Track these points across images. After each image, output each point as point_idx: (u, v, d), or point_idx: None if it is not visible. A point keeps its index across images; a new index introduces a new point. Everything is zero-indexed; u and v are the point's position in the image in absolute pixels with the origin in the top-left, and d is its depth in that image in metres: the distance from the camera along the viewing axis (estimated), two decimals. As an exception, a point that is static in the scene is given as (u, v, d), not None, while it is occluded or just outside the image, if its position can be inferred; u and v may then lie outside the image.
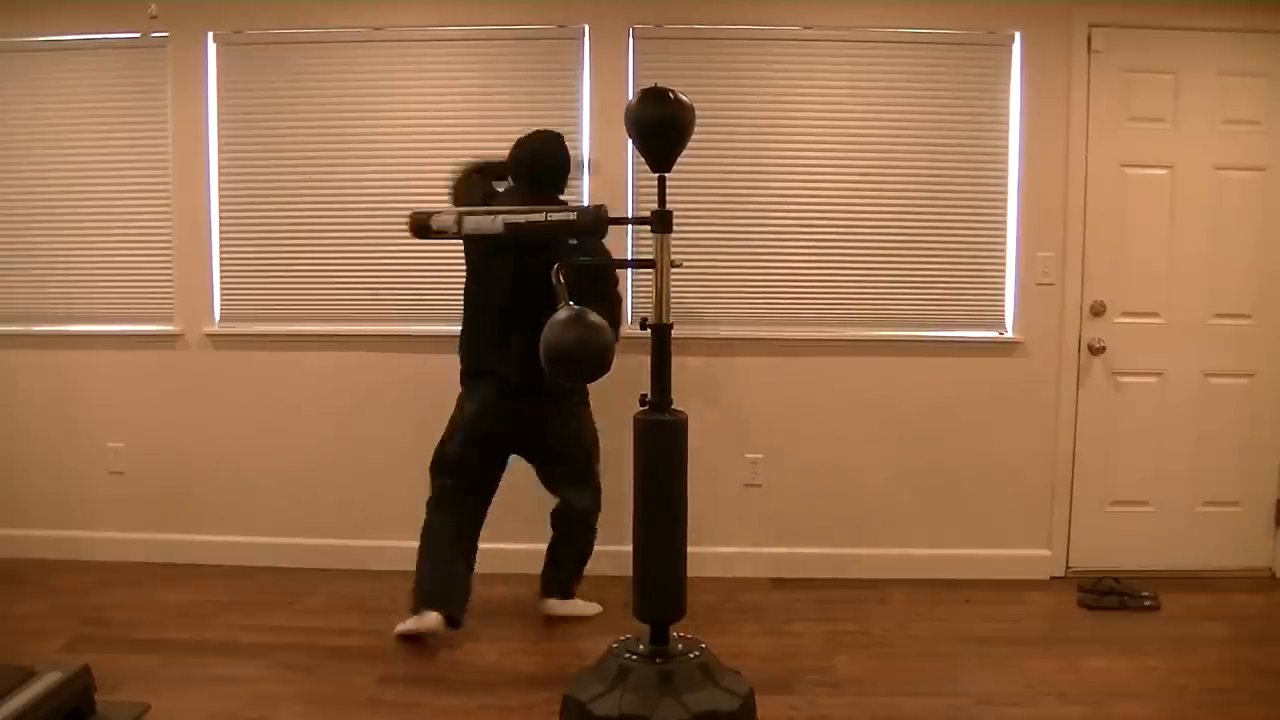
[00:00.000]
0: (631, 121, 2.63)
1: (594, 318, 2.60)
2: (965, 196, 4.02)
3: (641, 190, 4.01)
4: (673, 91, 2.61)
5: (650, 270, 2.68)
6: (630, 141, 3.93)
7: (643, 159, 2.71)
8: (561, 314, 2.58)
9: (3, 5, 4.10)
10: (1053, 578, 4.10)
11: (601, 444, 3.64)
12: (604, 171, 4.01)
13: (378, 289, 4.13)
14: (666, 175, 2.69)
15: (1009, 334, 4.07)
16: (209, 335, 4.19)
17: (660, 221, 2.64)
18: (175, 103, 4.11)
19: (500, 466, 3.57)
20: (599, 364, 2.61)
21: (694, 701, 2.55)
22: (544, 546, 4.12)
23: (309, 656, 3.32)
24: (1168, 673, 3.23)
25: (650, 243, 2.68)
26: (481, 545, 4.16)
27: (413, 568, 4.14)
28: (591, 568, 4.01)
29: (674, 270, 2.69)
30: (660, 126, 2.62)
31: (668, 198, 2.66)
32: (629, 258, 4.05)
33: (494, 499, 3.64)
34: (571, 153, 3.51)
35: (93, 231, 4.19)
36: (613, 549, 3.67)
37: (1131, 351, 4.07)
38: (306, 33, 4.06)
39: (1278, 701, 3.03)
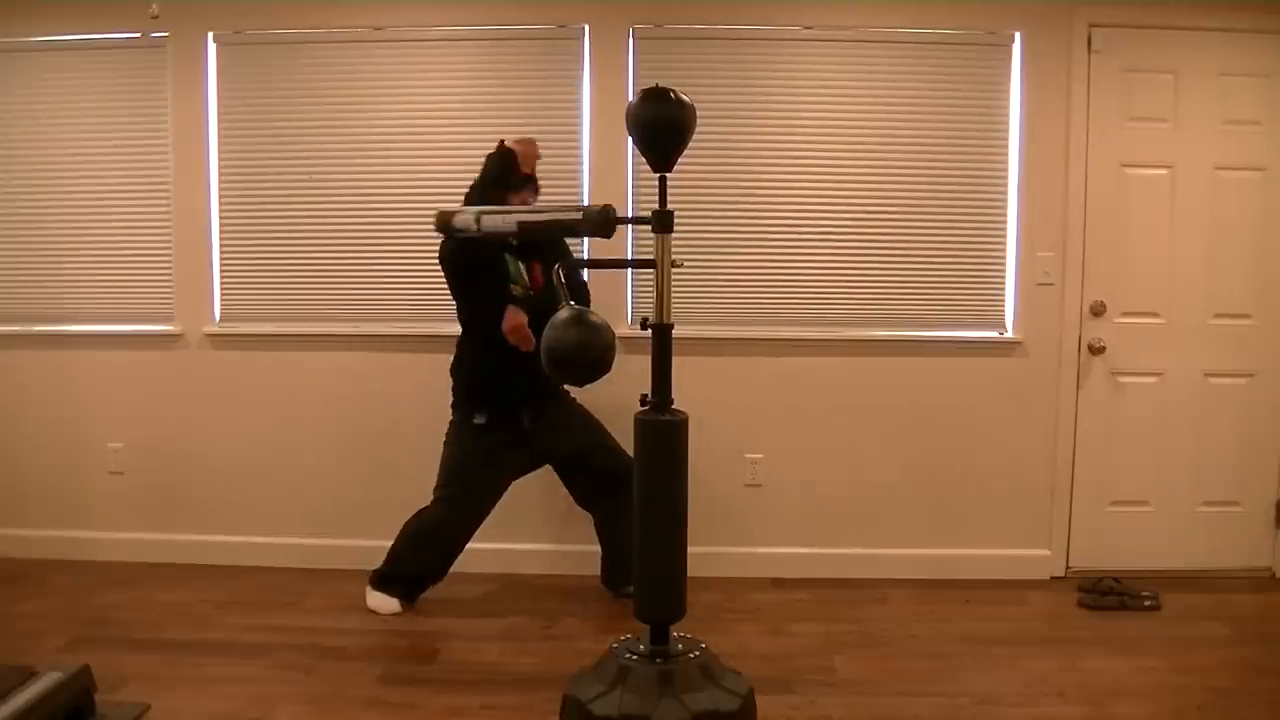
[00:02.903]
0: (633, 121, 2.63)
1: (594, 318, 2.60)
2: (965, 196, 4.02)
3: (641, 190, 4.01)
4: (674, 91, 2.61)
5: (650, 270, 2.67)
6: (630, 141, 3.95)
7: (642, 159, 2.71)
8: (562, 314, 2.58)
9: (3, 5, 4.10)
10: (1053, 578, 4.10)
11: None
12: (603, 171, 4.01)
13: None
14: (667, 175, 2.69)
15: (1009, 334, 4.07)
16: (209, 335, 4.19)
17: (661, 222, 2.64)
18: (175, 103, 4.11)
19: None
20: (600, 364, 2.60)
21: (694, 701, 2.55)
22: (547, 547, 4.13)
23: (309, 656, 3.32)
24: (1168, 673, 3.23)
25: (651, 243, 2.67)
26: (483, 546, 4.17)
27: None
28: (596, 568, 4.01)
29: (675, 270, 2.69)
30: (662, 126, 2.62)
31: (668, 198, 2.66)
32: (629, 258, 4.05)
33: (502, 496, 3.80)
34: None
35: (93, 231, 4.19)
36: (613, 549, 3.67)
37: (1131, 351, 4.07)
38: (306, 33, 4.06)
39: (1278, 701, 3.03)
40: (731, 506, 4.10)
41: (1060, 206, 4.00)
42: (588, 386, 2.73)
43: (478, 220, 2.82)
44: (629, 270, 4.10)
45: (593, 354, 2.57)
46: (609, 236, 2.72)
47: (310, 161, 4.10)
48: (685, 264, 2.78)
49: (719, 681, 2.65)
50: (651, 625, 2.70)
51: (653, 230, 2.65)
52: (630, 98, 3.86)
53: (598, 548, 3.96)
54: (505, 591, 3.94)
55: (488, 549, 4.13)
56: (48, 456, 4.27)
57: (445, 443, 3.70)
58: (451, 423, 3.70)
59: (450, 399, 3.69)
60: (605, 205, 2.68)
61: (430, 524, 3.66)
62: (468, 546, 4.17)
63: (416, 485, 4.17)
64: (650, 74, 3.90)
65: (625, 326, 4.01)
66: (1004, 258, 4.06)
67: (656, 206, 2.60)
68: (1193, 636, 3.53)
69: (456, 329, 4.11)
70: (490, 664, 3.30)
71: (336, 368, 4.16)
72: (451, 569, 4.12)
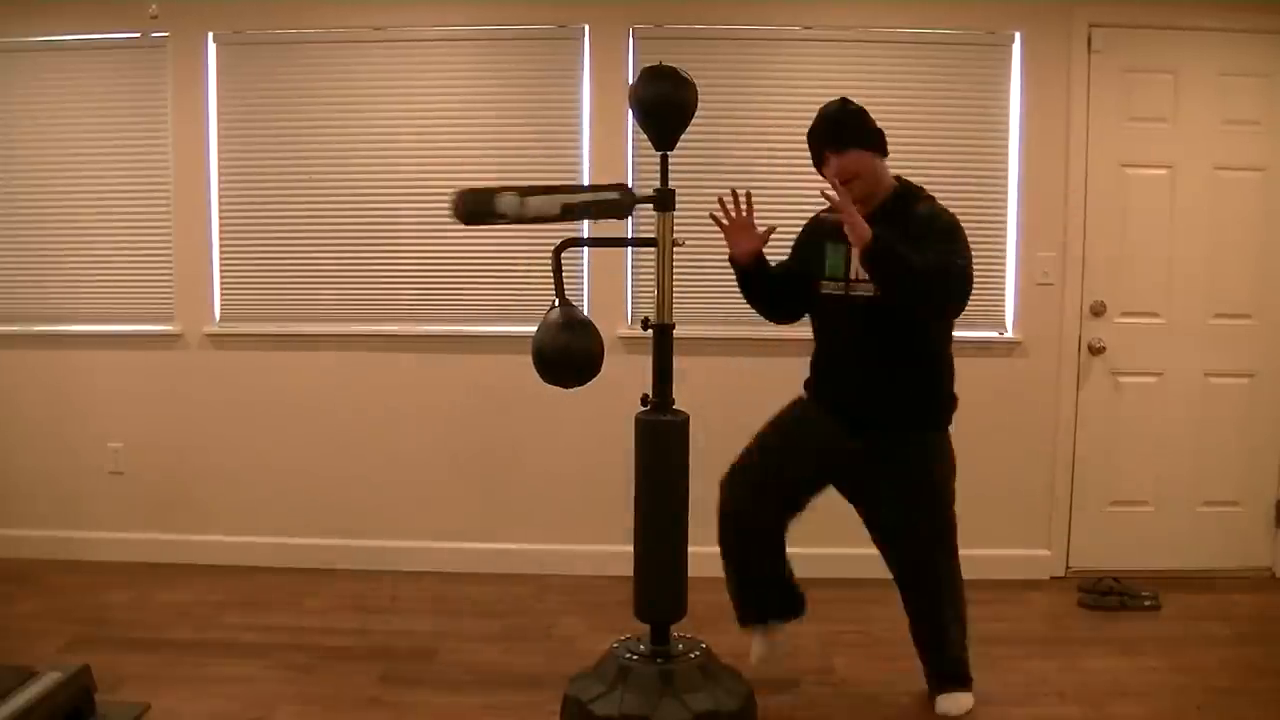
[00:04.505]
0: (635, 100, 2.63)
1: (582, 318, 2.60)
2: (965, 196, 4.00)
3: (642, 190, 4.00)
4: (676, 69, 2.62)
5: (650, 269, 2.68)
6: (630, 142, 3.97)
7: (642, 158, 2.71)
8: (552, 315, 2.58)
9: (3, 5, 4.10)
10: (1053, 578, 4.10)
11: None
12: (604, 172, 4.01)
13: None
14: (668, 170, 2.69)
15: (1009, 334, 4.07)
16: (209, 335, 4.19)
17: (662, 200, 2.65)
18: (175, 103, 4.11)
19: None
20: (587, 368, 2.60)
21: (694, 701, 2.55)
22: (547, 547, 4.12)
23: (309, 656, 3.31)
24: (1168, 673, 3.23)
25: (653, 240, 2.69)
26: (482, 546, 4.17)
27: (411, 567, 4.16)
28: (596, 568, 4.01)
29: (676, 249, 2.69)
30: (663, 104, 2.62)
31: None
32: (629, 236, 4.01)
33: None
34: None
35: (93, 231, 4.19)
36: (613, 549, 3.66)
37: (1131, 351, 4.07)
38: (306, 33, 4.06)
39: (1278, 702, 3.03)
40: (731, 506, 4.10)
41: (1060, 206, 4.00)
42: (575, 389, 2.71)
43: (522, 202, 2.58)
44: (629, 271, 4.09)
45: (578, 358, 2.57)
46: (625, 216, 2.73)
47: (310, 161, 4.10)
48: (685, 243, 2.76)
49: (719, 681, 2.66)
50: (651, 625, 2.70)
51: (654, 208, 2.66)
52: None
53: (598, 546, 3.97)
54: (505, 591, 3.94)
55: (487, 549, 4.14)
56: (48, 456, 4.26)
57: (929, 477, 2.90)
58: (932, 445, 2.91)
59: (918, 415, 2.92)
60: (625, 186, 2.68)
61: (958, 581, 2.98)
62: (465, 545, 4.19)
63: (416, 485, 4.18)
64: (650, 74, 3.90)
65: (625, 326, 4.01)
66: (1004, 258, 4.06)
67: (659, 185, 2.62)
68: (1193, 636, 3.52)
69: (453, 328, 4.13)
70: (490, 664, 3.30)
71: (337, 368, 4.16)
72: (446, 570, 4.13)
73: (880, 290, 2.68)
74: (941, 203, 2.87)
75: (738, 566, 3.01)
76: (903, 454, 2.85)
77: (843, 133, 2.84)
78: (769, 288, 2.99)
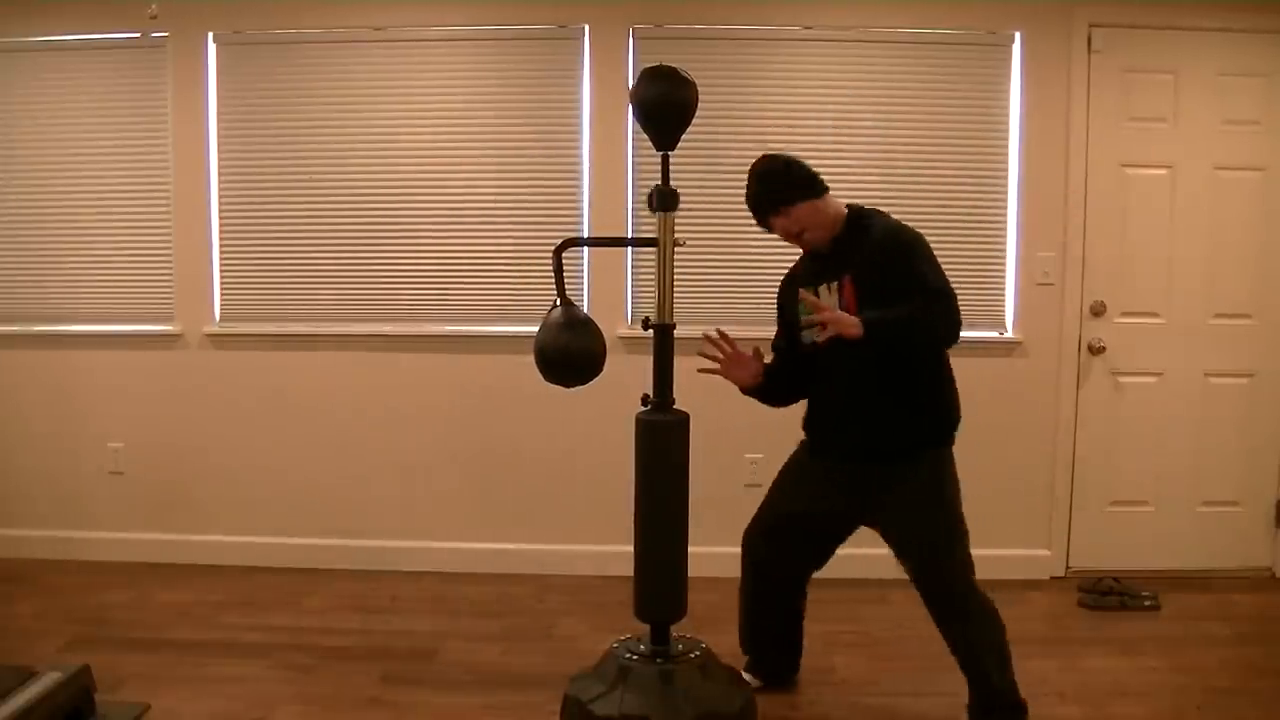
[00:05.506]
0: (635, 100, 2.64)
1: (583, 318, 2.61)
2: (965, 196, 4.02)
3: (641, 191, 4.01)
4: (676, 70, 2.62)
5: (650, 268, 2.68)
6: (630, 143, 3.97)
7: (642, 159, 2.71)
8: (554, 315, 2.59)
9: (3, 5, 4.10)
10: (1053, 578, 4.10)
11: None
12: (604, 172, 4.01)
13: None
14: (669, 170, 2.69)
15: (1009, 334, 4.07)
16: (209, 335, 4.19)
17: (662, 199, 2.65)
18: (175, 103, 4.11)
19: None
20: (587, 369, 2.61)
21: (694, 701, 2.55)
22: (547, 547, 4.11)
23: (309, 656, 3.31)
24: (1168, 673, 3.23)
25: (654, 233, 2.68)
26: (481, 546, 4.16)
27: (411, 567, 4.16)
28: (596, 568, 4.01)
29: (677, 249, 2.69)
30: (664, 104, 2.63)
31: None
32: (629, 236, 4.01)
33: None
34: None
35: (93, 231, 4.19)
36: (613, 549, 3.67)
37: (1131, 351, 4.07)
38: (306, 33, 4.06)
39: (1278, 702, 3.03)
40: (731, 506, 4.09)
41: (1060, 206, 4.00)
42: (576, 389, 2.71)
43: None
44: (629, 271, 4.09)
45: (579, 358, 2.59)
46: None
47: (310, 161, 4.10)
48: (686, 243, 2.76)
49: (719, 681, 2.66)
50: (651, 625, 2.70)
51: (654, 209, 2.66)
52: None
53: (598, 546, 3.97)
54: (505, 591, 3.94)
55: (487, 549, 4.13)
56: (48, 456, 4.26)
57: (940, 495, 2.79)
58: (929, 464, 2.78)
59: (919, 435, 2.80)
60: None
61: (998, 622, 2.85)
62: (465, 545, 4.19)
63: (414, 485, 4.18)
64: (650, 74, 3.90)
65: (626, 326, 4.01)
66: (1004, 258, 4.06)
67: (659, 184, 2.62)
68: (1193, 636, 3.52)
69: (453, 328, 4.13)
70: (490, 664, 3.29)
71: (336, 368, 4.16)
72: (446, 570, 4.12)
73: (891, 351, 2.64)
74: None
75: (753, 618, 3.07)
76: (911, 474, 2.75)
77: (780, 194, 2.74)
78: (781, 384, 2.98)
